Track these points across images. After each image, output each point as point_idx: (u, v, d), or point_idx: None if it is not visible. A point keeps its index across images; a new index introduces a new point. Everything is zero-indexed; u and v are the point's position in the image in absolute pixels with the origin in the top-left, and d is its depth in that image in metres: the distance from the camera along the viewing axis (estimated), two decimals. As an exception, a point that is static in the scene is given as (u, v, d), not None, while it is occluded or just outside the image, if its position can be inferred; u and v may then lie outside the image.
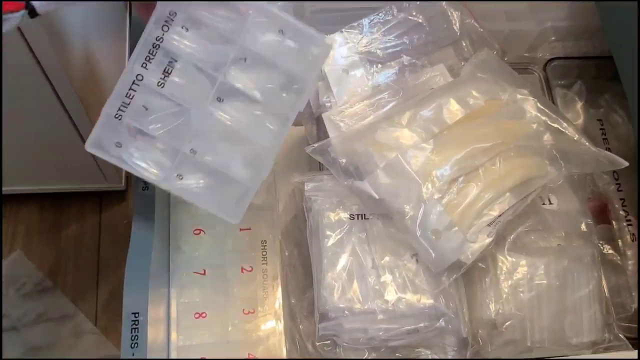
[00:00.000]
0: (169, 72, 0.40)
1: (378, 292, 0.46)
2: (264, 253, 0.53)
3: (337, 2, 0.57)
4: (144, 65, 0.39)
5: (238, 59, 0.40)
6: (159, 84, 0.40)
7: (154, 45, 0.39)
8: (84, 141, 0.87)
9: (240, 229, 0.53)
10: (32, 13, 0.32)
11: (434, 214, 0.45)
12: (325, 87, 0.53)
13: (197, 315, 0.50)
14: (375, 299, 0.46)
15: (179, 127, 0.41)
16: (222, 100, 0.41)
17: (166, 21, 0.39)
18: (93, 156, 0.87)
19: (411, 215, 0.45)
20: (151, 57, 0.39)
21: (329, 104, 0.53)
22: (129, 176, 1.05)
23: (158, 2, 0.39)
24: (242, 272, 0.53)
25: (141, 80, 0.39)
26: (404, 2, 0.55)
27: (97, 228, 1.04)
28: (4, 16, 0.31)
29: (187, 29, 0.39)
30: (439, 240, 0.44)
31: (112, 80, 0.94)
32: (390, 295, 0.46)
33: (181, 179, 0.42)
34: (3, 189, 0.98)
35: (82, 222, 1.04)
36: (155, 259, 0.47)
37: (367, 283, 0.46)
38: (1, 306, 0.94)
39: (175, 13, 0.39)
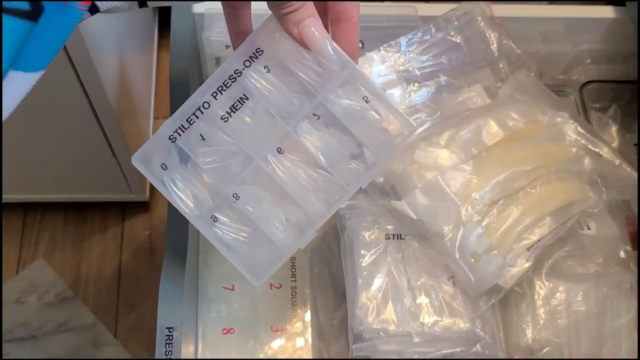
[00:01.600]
0: (237, 108, 0.38)
1: (414, 314, 0.45)
2: (293, 270, 0.53)
3: (373, 19, 0.57)
4: (214, 94, 0.38)
5: (312, 115, 0.38)
6: (223, 117, 0.38)
7: (231, 77, 0.37)
8: (113, 151, 0.88)
9: (270, 245, 0.52)
10: (93, 10, 0.30)
11: (474, 237, 0.44)
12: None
13: (224, 331, 0.50)
14: (410, 321, 0.45)
15: (230, 167, 0.39)
16: (283, 152, 0.39)
17: (251, 57, 0.37)
18: (120, 166, 0.89)
19: (450, 237, 0.44)
20: (224, 88, 0.37)
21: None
22: (154, 188, 1.05)
23: (249, 37, 0.37)
24: (270, 288, 0.52)
25: (207, 108, 0.38)
26: (442, 22, 0.55)
27: (120, 238, 1.04)
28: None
29: (268, 70, 0.37)
30: (478, 263, 0.44)
31: (141, 92, 0.95)
32: (427, 317, 0.45)
33: (215, 220, 0.39)
34: (28, 196, 0.99)
35: (104, 232, 1.04)
36: (187, 274, 0.47)
37: (402, 304, 0.45)
38: (1, 318, 0.95)
39: (262, 51, 0.37)
